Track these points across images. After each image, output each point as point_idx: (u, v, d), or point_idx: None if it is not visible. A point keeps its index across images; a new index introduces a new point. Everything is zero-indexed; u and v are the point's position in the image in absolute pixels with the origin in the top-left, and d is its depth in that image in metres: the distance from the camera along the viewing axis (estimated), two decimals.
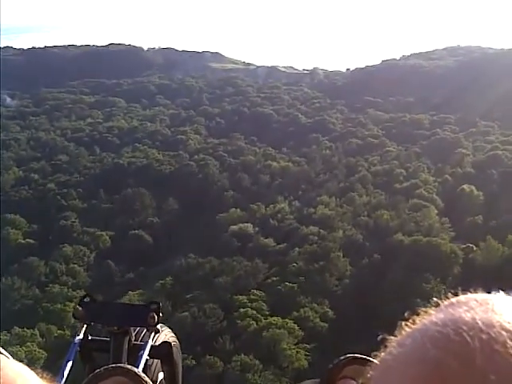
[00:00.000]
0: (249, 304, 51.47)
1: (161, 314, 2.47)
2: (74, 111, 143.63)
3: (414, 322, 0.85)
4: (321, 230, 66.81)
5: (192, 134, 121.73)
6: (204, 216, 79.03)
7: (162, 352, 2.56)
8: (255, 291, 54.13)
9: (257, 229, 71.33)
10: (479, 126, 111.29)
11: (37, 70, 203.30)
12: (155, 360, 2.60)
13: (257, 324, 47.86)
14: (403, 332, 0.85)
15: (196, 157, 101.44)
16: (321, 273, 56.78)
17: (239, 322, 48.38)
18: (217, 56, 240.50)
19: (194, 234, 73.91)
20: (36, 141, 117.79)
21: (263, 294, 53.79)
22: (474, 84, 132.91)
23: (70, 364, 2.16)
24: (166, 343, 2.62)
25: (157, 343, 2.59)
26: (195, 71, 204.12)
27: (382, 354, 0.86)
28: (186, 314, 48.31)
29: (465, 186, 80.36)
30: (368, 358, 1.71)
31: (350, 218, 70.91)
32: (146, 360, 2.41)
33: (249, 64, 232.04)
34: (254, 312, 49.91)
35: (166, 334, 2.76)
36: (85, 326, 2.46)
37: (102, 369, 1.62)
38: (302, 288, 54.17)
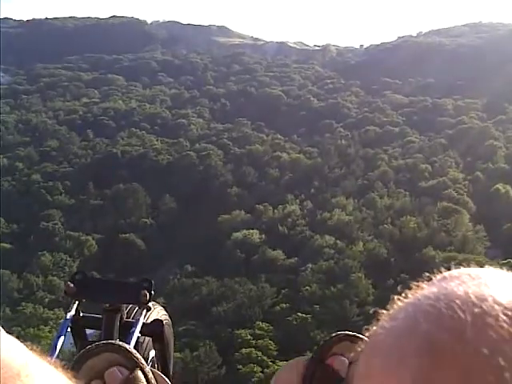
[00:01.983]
0: (253, 342, 42.57)
1: (153, 292, 2.40)
2: (70, 90, 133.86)
3: (406, 296, 0.84)
4: (338, 241, 57.60)
5: (194, 117, 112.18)
6: (204, 217, 69.96)
7: (153, 330, 2.51)
8: (260, 323, 45.17)
9: (263, 236, 62.17)
10: (509, 112, 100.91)
11: (34, 43, 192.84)
12: (146, 338, 2.53)
13: (262, 371, 39.01)
14: (395, 306, 0.84)
15: (197, 145, 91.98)
16: (339, 299, 47.73)
17: (241, 367, 39.53)
18: (223, 30, 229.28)
19: (193, 239, 64.92)
20: (25, 124, 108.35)
21: (270, 327, 44.83)
22: (500, 65, 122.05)
23: (61, 339, 2.15)
24: (157, 321, 2.55)
25: (148, 321, 2.52)
26: (200, 46, 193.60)
27: (374, 327, 0.85)
28: (177, 357, 39.63)
29: (499, 186, 70.87)
30: (359, 335, 1.71)
31: (370, 226, 61.58)
32: (138, 337, 2.38)
33: (257, 39, 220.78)
34: (259, 354, 41.01)
35: (158, 312, 2.67)
36: (76, 302, 2.40)
37: (92, 345, 1.63)
38: (316, 319, 45.22)
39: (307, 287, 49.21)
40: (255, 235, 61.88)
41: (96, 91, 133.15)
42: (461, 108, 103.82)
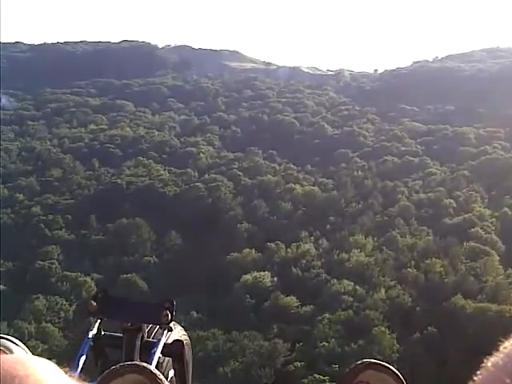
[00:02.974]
0: None
1: (174, 313, 2.46)
2: (76, 116, 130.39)
3: None
4: (357, 287, 52.52)
5: (204, 145, 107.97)
6: (212, 255, 65.26)
7: (173, 350, 2.55)
8: None
9: (275, 279, 57.23)
10: None
11: (44, 67, 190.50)
12: (166, 358, 2.57)
13: None
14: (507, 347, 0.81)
15: (206, 176, 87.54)
16: (360, 356, 42.52)
17: None
18: (235, 54, 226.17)
19: (199, 279, 60.12)
20: (29, 152, 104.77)
21: None
22: None
23: (83, 358, 2.20)
24: (178, 341, 2.59)
25: (169, 341, 2.57)
26: (212, 71, 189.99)
27: (488, 364, 0.83)
28: None
29: None
30: (385, 364, 1.76)
31: (392, 269, 56.46)
32: (158, 357, 2.42)
33: (269, 63, 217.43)
34: None
35: (178, 332, 2.70)
36: (98, 321, 2.46)
37: (117, 366, 1.66)
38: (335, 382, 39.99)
39: (324, 343, 44.09)
40: (266, 278, 57.01)
41: (104, 117, 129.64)
42: (483, 137, 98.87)
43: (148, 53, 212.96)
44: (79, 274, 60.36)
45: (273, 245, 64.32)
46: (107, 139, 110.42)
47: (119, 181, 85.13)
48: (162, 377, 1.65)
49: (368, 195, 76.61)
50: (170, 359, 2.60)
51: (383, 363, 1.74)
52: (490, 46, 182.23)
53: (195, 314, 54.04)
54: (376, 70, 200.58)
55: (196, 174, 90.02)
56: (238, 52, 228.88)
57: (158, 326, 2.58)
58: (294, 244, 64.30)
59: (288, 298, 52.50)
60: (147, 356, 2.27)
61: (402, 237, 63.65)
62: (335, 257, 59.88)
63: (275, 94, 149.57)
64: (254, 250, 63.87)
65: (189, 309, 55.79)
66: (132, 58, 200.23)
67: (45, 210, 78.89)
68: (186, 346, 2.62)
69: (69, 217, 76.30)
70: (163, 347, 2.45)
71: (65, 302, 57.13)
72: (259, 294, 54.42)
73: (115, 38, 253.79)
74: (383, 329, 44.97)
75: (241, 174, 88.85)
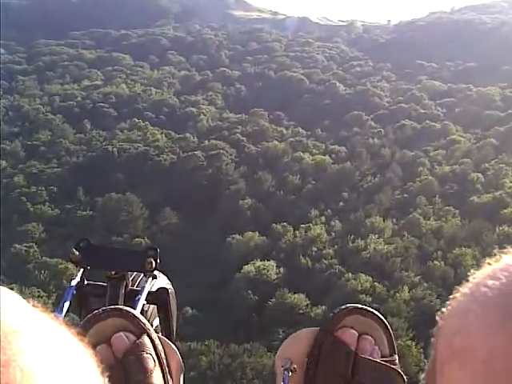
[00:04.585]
0: None
1: (158, 260, 2.36)
2: (70, 71, 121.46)
3: (499, 259, 0.81)
4: (376, 284, 45.43)
5: (205, 105, 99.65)
6: (211, 236, 58.22)
7: (158, 298, 2.49)
8: None
9: (281, 270, 50.19)
10: None
11: (39, 16, 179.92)
12: (151, 306, 2.52)
13: None
14: (492, 265, 0.81)
15: (206, 142, 79.66)
16: None
17: None
18: (241, 3, 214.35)
19: (195, 266, 53.23)
20: (16, 111, 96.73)
21: None
22: None
23: (67, 304, 2.15)
24: (162, 289, 2.51)
25: (153, 289, 2.49)
26: (216, 20, 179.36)
27: (468, 285, 0.83)
28: None
29: None
30: (370, 309, 1.77)
31: (416, 261, 49.22)
32: (143, 305, 2.37)
33: (276, 13, 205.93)
34: None
35: (162, 281, 2.62)
36: (81, 269, 2.38)
37: (99, 310, 1.66)
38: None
39: None
40: (271, 269, 49.91)
41: (99, 72, 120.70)
42: (509, 99, 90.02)
43: (149, 1, 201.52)
44: (59, 260, 53.35)
45: (279, 227, 57.09)
46: (101, 97, 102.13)
47: (110, 147, 77.31)
48: (145, 321, 1.67)
49: (385, 167, 68.88)
50: (155, 308, 2.50)
51: (369, 308, 1.74)
52: None
53: (190, 311, 47.35)
54: (389, 21, 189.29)
55: (195, 139, 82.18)
56: (243, 0, 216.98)
57: (142, 275, 2.49)
58: (303, 226, 56.96)
59: (296, 295, 45.52)
60: (131, 304, 2.15)
61: (425, 219, 56.22)
62: (350, 244, 52.63)
63: (282, 46, 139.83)
64: (257, 232, 56.61)
65: (183, 303, 49.19)
66: (132, 6, 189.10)
67: (28, 179, 71.64)
68: (170, 295, 2.51)
69: (54, 188, 69.09)
70: (148, 295, 2.36)
71: (43, 294, 50.35)
72: (263, 288, 47.48)
73: None
74: (409, 342, 38.04)
75: (244, 139, 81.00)
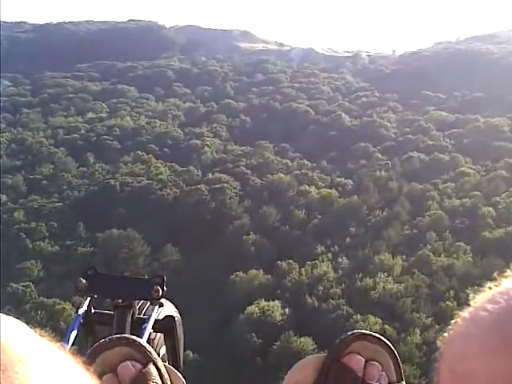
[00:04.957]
0: None
1: (165, 288, 2.42)
2: (75, 103, 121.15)
3: (500, 283, 0.81)
4: (386, 326, 43.33)
5: (209, 137, 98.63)
6: (213, 273, 56.30)
7: (165, 326, 2.51)
8: None
9: (287, 311, 48.17)
10: None
11: (46, 49, 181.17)
12: (158, 334, 2.53)
13: None
14: (492, 291, 0.80)
15: (210, 175, 78.29)
16: None
17: None
18: (246, 35, 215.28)
19: (196, 308, 51.06)
20: (19, 144, 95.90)
21: None
22: None
23: (74, 333, 2.18)
24: (169, 317, 2.55)
25: (160, 317, 2.53)
26: (221, 52, 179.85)
27: (468, 310, 0.82)
28: None
29: None
30: (377, 335, 1.75)
31: (427, 301, 47.15)
32: (150, 334, 2.40)
33: (282, 44, 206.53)
34: None
35: (169, 309, 2.65)
36: (88, 298, 2.43)
37: (106, 339, 1.65)
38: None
39: None
40: (276, 310, 47.86)
41: (103, 104, 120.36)
42: None
43: (155, 33, 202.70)
44: (57, 300, 51.54)
45: (284, 264, 55.21)
46: (105, 130, 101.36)
47: (113, 181, 76.01)
48: (151, 349, 1.65)
49: (393, 201, 67.09)
50: (162, 336, 2.50)
51: (375, 334, 1.73)
52: None
53: (191, 355, 45.26)
54: (394, 51, 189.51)
55: (199, 172, 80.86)
56: (249, 32, 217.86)
57: (148, 303, 2.49)
58: (309, 263, 55.06)
59: (302, 338, 43.43)
60: (138, 333, 2.17)
61: (435, 255, 54.22)
62: (358, 282, 50.62)
63: (288, 77, 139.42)
64: (261, 270, 54.73)
65: (185, 346, 47.18)
66: (138, 39, 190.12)
67: (29, 215, 70.24)
68: (177, 323, 2.53)
69: (54, 224, 67.59)
70: (154, 323, 2.37)
71: None
72: (267, 330, 45.43)
73: (122, 17, 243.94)
74: None
75: (249, 172, 79.62)
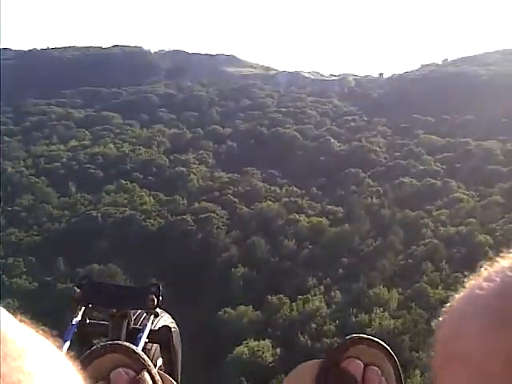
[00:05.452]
0: None
1: (161, 298, 2.38)
2: (57, 131, 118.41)
3: (494, 263, 0.79)
4: None
5: (195, 164, 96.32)
6: (200, 310, 53.41)
7: (161, 336, 2.43)
8: None
9: (278, 351, 45.29)
10: None
11: (30, 76, 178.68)
12: (154, 345, 2.46)
13: None
14: (488, 270, 0.79)
15: (196, 204, 75.64)
16: None
17: None
18: (232, 59, 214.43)
19: (184, 347, 48.07)
20: None
21: None
22: None
23: (67, 344, 2.12)
24: (165, 327, 2.47)
25: (156, 328, 2.46)
26: (207, 77, 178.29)
27: (463, 290, 0.81)
28: None
29: None
30: (375, 339, 1.74)
31: (427, 337, 44.38)
32: (145, 344, 2.34)
33: (268, 68, 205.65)
34: None
35: (165, 320, 2.57)
36: (83, 308, 2.37)
37: (99, 345, 1.63)
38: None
39: None
40: (267, 350, 44.98)
41: (87, 132, 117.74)
42: (511, 153, 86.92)
43: (140, 58, 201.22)
44: None
45: (274, 299, 52.42)
46: (88, 158, 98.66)
47: (94, 212, 73.14)
48: (145, 356, 1.61)
49: (386, 229, 64.65)
50: (158, 348, 2.41)
51: (374, 338, 1.71)
52: (503, 48, 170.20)
53: None
54: (381, 74, 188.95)
55: (185, 201, 78.19)
56: (234, 56, 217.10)
57: (144, 314, 2.43)
58: (301, 297, 52.34)
59: None
60: (133, 343, 2.05)
61: (432, 288, 51.70)
62: (352, 319, 47.89)
63: (275, 102, 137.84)
64: (251, 306, 51.88)
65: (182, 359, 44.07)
66: (123, 64, 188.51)
67: (6, 249, 67.08)
68: (173, 333, 2.45)
69: (32, 259, 64.44)
70: (150, 333, 2.31)
71: None
72: (258, 373, 42.49)
73: (107, 43, 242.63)
74: None
75: (236, 200, 77.11)
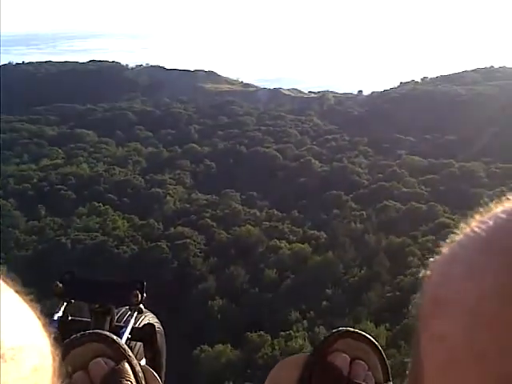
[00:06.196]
0: None
1: (145, 294, 2.35)
2: (29, 149, 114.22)
3: (484, 213, 0.76)
4: None
5: (172, 184, 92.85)
6: (174, 347, 49.63)
7: (144, 334, 2.41)
8: None
9: None
10: None
11: (3, 91, 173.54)
12: (138, 345, 2.44)
13: None
14: (476, 219, 0.76)
15: (172, 229, 72.15)
16: None
17: None
18: (211, 75, 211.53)
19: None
20: None
21: None
22: None
23: None
24: (149, 325, 2.48)
25: (140, 325, 2.47)
26: (186, 93, 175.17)
27: (450, 239, 0.78)
28: None
29: None
30: (362, 332, 1.75)
31: None
32: (129, 342, 2.29)
33: (247, 85, 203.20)
34: None
35: (149, 319, 2.60)
36: (64, 303, 2.36)
37: (78, 335, 1.60)
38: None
39: None
40: None
41: (60, 150, 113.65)
42: (496, 175, 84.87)
43: (117, 74, 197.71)
44: None
45: (254, 336, 49.05)
46: (59, 179, 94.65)
47: (64, 239, 69.27)
48: (125, 346, 1.59)
49: (371, 257, 61.79)
50: (142, 347, 2.39)
51: (361, 332, 1.73)
52: (483, 66, 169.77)
53: None
54: (361, 91, 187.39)
55: (160, 225, 74.64)
56: (213, 72, 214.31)
57: (128, 312, 2.39)
58: (283, 333, 49.07)
59: None
60: None
61: None
62: None
63: (254, 120, 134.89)
64: (229, 345, 48.46)
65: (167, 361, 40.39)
66: (99, 80, 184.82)
67: None
68: (158, 333, 2.42)
69: None
70: (133, 331, 2.27)
71: None
72: None
73: (84, 58, 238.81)
74: None
75: (214, 224, 73.79)
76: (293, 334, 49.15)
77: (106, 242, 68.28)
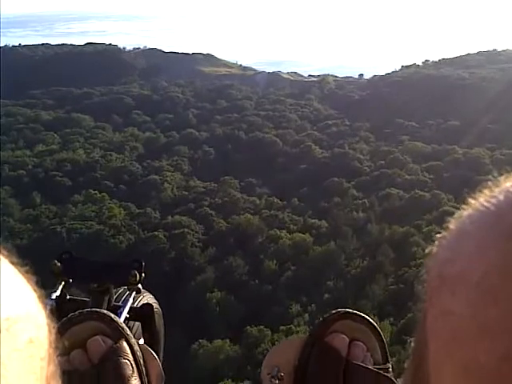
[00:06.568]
0: None
1: (143, 274, 2.36)
2: (24, 134, 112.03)
3: (492, 189, 0.75)
4: None
5: (170, 171, 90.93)
6: (171, 342, 48.18)
7: (142, 313, 2.39)
8: None
9: None
10: None
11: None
12: (136, 325, 2.41)
13: None
14: (482, 196, 0.75)
15: (170, 218, 70.48)
16: None
17: None
18: (209, 58, 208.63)
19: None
20: None
21: None
22: None
23: None
24: (147, 305, 2.48)
25: (138, 305, 2.46)
26: (184, 77, 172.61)
27: (459, 215, 0.76)
28: None
29: None
30: (361, 314, 1.73)
31: None
32: (127, 322, 2.25)
33: (246, 68, 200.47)
34: None
35: (147, 299, 2.61)
36: (62, 283, 2.33)
37: (76, 313, 1.60)
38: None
39: None
40: None
41: (55, 135, 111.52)
42: (500, 161, 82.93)
43: (114, 57, 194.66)
44: None
45: (254, 330, 47.57)
46: (54, 165, 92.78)
47: (59, 227, 67.59)
48: (123, 325, 1.59)
49: (374, 247, 60.19)
50: (140, 327, 2.37)
51: (360, 313, 1.71)
52: (486, 49, 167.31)
53: None
54: (361, 75, 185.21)
55: (157, 214, 72.94)
56: (212, 55, 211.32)
57: (126, 292, 2.40)
58: (283, 327, 47.57)
59: None
60: None
61: None
62: None
63: (253, 104, 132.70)
64: (228, 340, 46.99)
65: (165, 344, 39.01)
66: (96, 63, 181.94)
67: None
68: (156, 314, 2.44)
69: None
70: (131, 310, 2.27)
71: None
72: None
73: (81, 41, 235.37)
74: None
75: (213, 213, 72.09)
76: (294, 328, 47.62)
77: (102, 231, 66.64)
